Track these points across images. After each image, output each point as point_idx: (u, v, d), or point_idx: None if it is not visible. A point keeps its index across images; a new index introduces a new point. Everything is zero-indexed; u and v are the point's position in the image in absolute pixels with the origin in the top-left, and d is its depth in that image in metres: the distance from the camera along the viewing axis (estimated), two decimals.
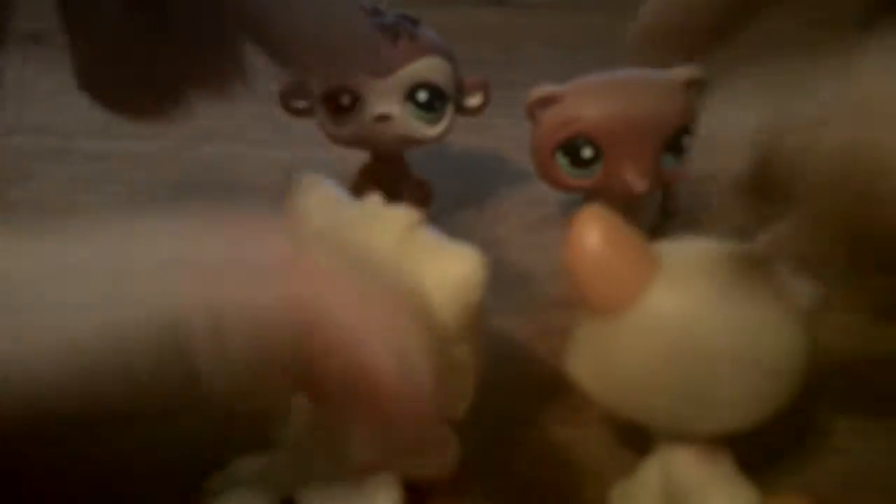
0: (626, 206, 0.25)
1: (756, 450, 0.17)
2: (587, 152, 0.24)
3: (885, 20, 0.14)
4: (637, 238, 0.16)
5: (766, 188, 0.15)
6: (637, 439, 0.19)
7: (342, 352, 0.14)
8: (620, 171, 0.24)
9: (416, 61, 0.25)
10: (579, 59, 0.42)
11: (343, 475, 0.18)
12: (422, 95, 0.25)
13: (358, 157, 0.28)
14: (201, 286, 0.14)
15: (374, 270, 0.15)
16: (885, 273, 0.22)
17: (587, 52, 0.46)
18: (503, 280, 0.26)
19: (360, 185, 0.28)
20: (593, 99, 0.24)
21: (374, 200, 0.17)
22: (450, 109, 0.26)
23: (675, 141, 0.25)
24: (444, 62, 0.25)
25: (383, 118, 0.25)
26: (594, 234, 0.16)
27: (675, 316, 0.16)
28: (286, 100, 0.26)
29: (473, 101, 0.27)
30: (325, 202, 0.18)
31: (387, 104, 0.25)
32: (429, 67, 0.25)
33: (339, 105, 0.26)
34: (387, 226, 0.16)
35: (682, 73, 0.26)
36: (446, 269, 0.15)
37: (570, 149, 0.25)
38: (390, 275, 0.16)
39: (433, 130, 0.26)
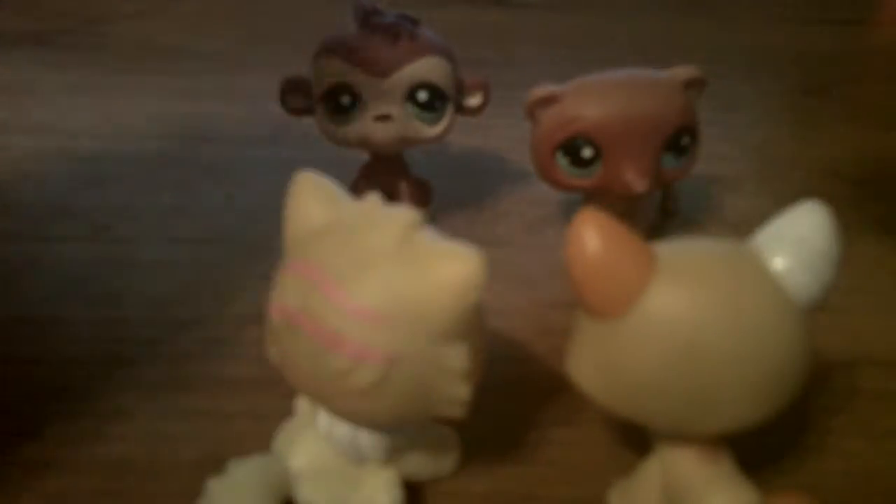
0: (626, 206, 0.25)
1: (756, 450, 0.17)
2: (587, 152, 0.25)
3: None
4: (636, 239, 0.16)
5: None
6: (637, 439, 0.19)
7: None
8: (620, 171, 0.24)
9: (416, 61, 0.25)
10: (579, 59, 0.42)
11: (343, 475, 0.18)
12: (422, 95, 0.25)
13: (358, 157, 0.28)
14: None
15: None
16: None
17: (587, 52, 0.46)
18: (503, 280, 0.26)
19: (360, 185, 0.28)
20: (593, 99, 0.24)
21: (374, 200, 0.17)
22: (450, 109, 0.26)
23: (675, 141, 0.25)
24: (444, 62, 0.26)
25: (383, 118, 0.25)
26: (593, 237, 0.16)
27: (675, 316, 0.15)
28: (286, 99, 0.26)
29: (473, 101, 0.27)
30: (325, 202, 0.18)
31: (387, 104, 0.25)
32: (429, 67, 0.25)
33: (339, 105, 0.26)
34: (387, 226, 0.16)
35: (682, 73, 0.26)
36: (446, 269, 0.15)
37: (570, 149, 0.25)
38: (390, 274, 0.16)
39: (433, 130, 0.26)
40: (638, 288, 0.16)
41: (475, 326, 0.16)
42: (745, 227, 0.18)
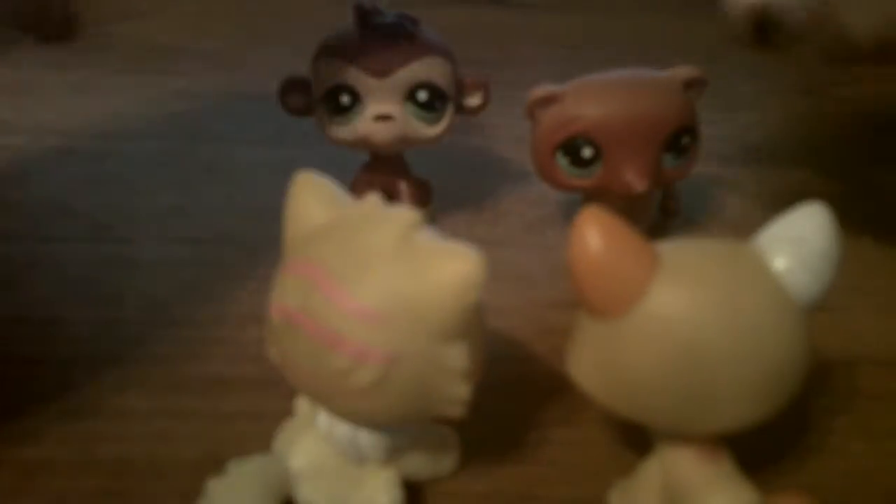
0: (626, 206, 0.25)
1: (756, 450, 0.17)
2: (587, 152, 0.24)
3: None
4: (638, 238, 0.16)
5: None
6: (637, 439, 0.19)
7: None
8: (620, 171, 0.24)
9: (415, 61, 0.25)
10: (579, 59, 0.42)
11: (343, 475, 0.18)
12: (422, 95, 0.25)
13: (358, 157, 0.28)
14: None
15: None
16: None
17: (587, 52, 0.46)
18: (503, 280, 0.26)
19: (360, 185, 0.28)
20: (593, 99, 0.25)
21: (374, 200, 0.17)
22: (450, 109, 0.26)
23: (675, 141, 0.25)
24: (444, 62, 0.26)
25: (384, 118, 0.25)
26: (595, 236, 0.16)
27: (676, 316, 0.16)
28: (286, 99, 0.26)
29: (473, 101, 0.27)
30: (325, 202, 0.18)
31: (387, 104, 0.25)
32: (429, 68, 0.25)
33: (339, 105, 0.26)
34: (387, 226, 0.16)
35: (682, 72, 0.26)
36: (446, 268, 0.15)
37: (570, 149, 0.25)
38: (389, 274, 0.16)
39: (433, 130, 0.26)
40: (639, 287, 0.16)
41: (475, 326, 0.16)
42: (745, 227, 0.18)
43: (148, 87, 0.40)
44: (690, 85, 0.26)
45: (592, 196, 0.26)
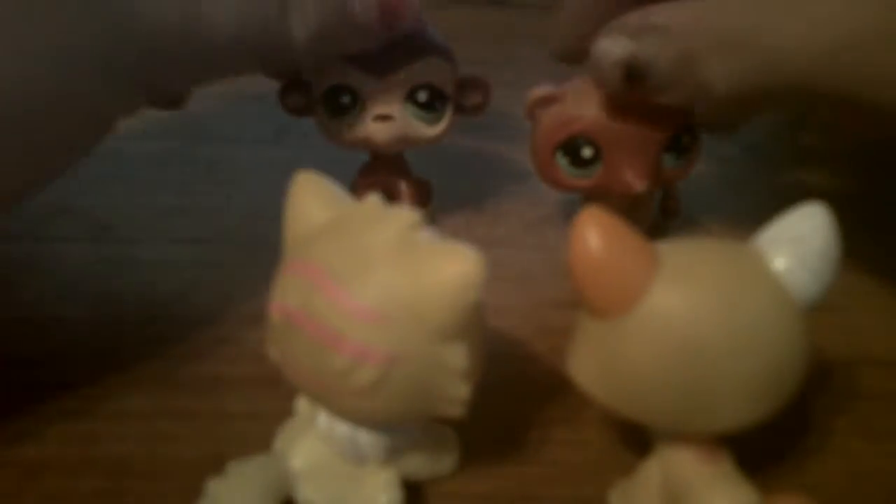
0: (626, 205, 0.25)
1: (756, 450, 0.17)
2: (587, 152, 0.24)
3: None
4: (638, 238, 0.16)
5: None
6: (637, 439, 0.19)
7: None
8: (620, 171, 0.24)
9: (416, 61, 0.25)
10: None
11: (343, 475, 0.18)
12: (422, 96, 0.25)
13: (358, 157, 0.28)
14: None
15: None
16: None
17: None
18: (503, 280, 0.26)
19: (360, 185, 0.28)
20: (594, 98, 0.24)
21: (374, 200, 0.17)
22: (449, 109, 0.26)
23: (676, 141, 0.25)
24: (444, 62, 0.25)
25: (383, 118, 0.25)
26: (595, 236, 0.16)
27: (677, 316, 0.16)
28: (286, 99, 0.26)
29: (474, 100, 0.27)
30: (325, 202, 0.18)
31: (387, 104, 0.25)
32: (429, 68, 0.25)
33: (339, 105, 0.26)
34: (387, 226, 0.16)
35: None
36: (445, 268, 0.15)
37: (569, 148, 0.25)
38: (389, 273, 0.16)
39: (433, 130, 0.26)
40: (640, 287, 0.16)
41: (475, 326, 0.16)
42: (745, 227, 0.18)
43: None
44: None
45: (592, 196, 0.26)
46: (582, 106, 0.24)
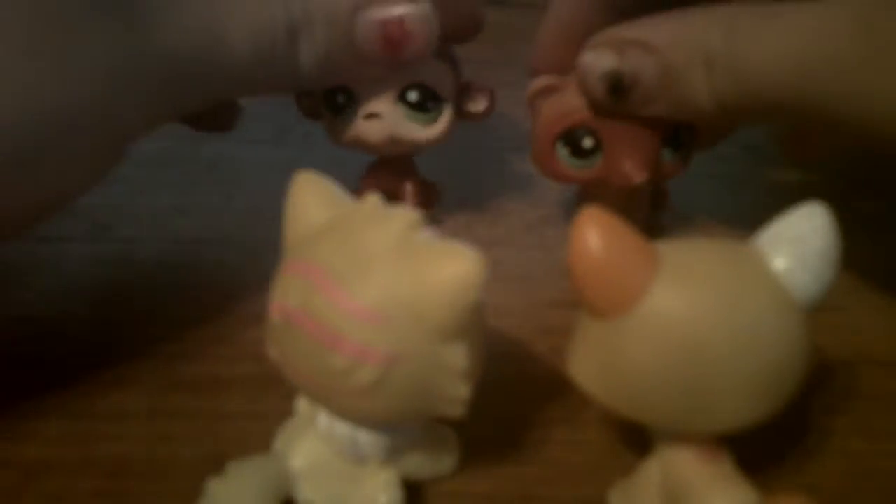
0: (620, 201, 0.25)
1: (756, 450, 0.17)
2: (588, 142, 0.24)
3: None
4: (638, 238, 0.16)
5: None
6: (637, 439, 0.19)
7: None
8: (620, 163, 0.24)
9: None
10: None
11: (343, 475, 0.18)
12: (412, 95, 0.25)
13: (358, 158, 0.28)
14: None
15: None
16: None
17: None
18: (503, 280, 0.26)
19: (365, 186, 0.28)
20: None
21: (374, 200, 0.17)
22: (447, 112, 0.26)
23: (675, 135, 0.25)
24: (441, 64, 0.25)
25: (372, 116, 0.25)
26: (595, 236, 0.16)
27: (676, 316, 0.16)
28: (300, 103, 0.26)
29: (477, 106, 0.26)
30: (325, 202, 0.18)
31: (378, 103, 0.25)
32: (423, 68, 0.25)
33: (336, 104, 0.25)
34: (386, 226, 0.16)
35: None
36: (445, 268, 0.15)
37: (570, 139, 0.25)
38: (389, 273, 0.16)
39: (426, 133, 0.25)
40: (640, 287, 0.16)
41: (475, 326, 0.16)
42: (745, 227, 0.18)
43: None
44: None
45: (589, 190, 0.26)
46: (583, 96, 0.24)
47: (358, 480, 0.18)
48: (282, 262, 0.17)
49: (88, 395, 0.21)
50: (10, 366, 0.22)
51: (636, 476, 0.18)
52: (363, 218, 0.17)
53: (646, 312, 0.16)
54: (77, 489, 0.19)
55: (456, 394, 0.16)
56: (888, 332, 0.25)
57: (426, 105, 0.25)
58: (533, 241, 0.29)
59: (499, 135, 0.35)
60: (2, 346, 0.23)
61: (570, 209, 0.30)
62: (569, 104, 0.25)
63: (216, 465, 0.18)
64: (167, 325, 0.24)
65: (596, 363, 0.17)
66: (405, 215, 0.16)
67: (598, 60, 0.23)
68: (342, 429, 0.17)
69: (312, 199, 0.18)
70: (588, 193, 0.28)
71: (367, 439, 0.17)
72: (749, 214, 0.19)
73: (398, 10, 0.23)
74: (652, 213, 0.28)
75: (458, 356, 0.16)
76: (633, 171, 0.24)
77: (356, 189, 0.27)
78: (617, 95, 0.23)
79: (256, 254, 0.27)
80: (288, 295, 0.16)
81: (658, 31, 0.22)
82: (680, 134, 0.25)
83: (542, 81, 0.25)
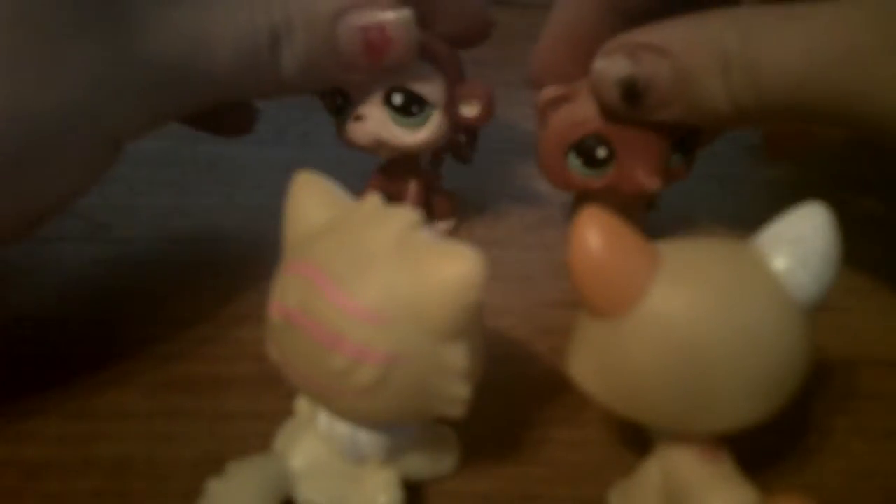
0: (619, 203, 0.25)
1: (756, 450, 0.17)
2: (602, 152, 0.24)
3: None
4: (638, 238, 0.16)
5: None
6: (637, 439, 0.19)
7: None
8: (633, 171, 0.24)
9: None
10: None
11: (343, 475, 0.18)
12: (396, 99, 0.25)
13: (357, 158, 0.28)
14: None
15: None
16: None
17: None
18: (503, 280, 0.26)
19: (370, 186, 0.28)
20: None
21: (374, 200, 0.17)
22: (435, 117, 0.25)
23: (682, 141, 0.25)
24: (430, 69, 0.25)
25: (358, 118, 0.25)
26: (595, 236, 0.16)
27: (676, 316, 0.16)
28: (324, 100, 0.26)
29: (469, 111, 0.26)
30: (324, 202, 0.18)
31: (365, 105, 0.25)
32: (409, 71, 0.25)
33: (336, 105, 0.26)
34: (386, 226, 0.16)
35: None
36: (445, 269, 0.15)
37: (583, 149, 0.24)
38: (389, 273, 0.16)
39: (412, 137, 0.25)
40: (640, 287, 0.16)
41: (475, 326, 0.16)
42: (745, 227, 0.18)
43: None
44: None
45: (588, 195, 0.26)
46: (595, 105, 0.24)
47: (358, 480, 0.18)
48: (282, 261, 0.17)
49: (88, 395, 0.21)
50: (10, 366, 0.22)
51: (636, 476, 0.18)
52: (363, 218, 0.17)
53: (646, 312, 0.16)
54: (77, 489, 0.19)
55: (456, 394, 0.16)
56: (888, 332, 0.25)
57: (410, 109, 0.25)
58: (533, 241, 0.29)
59: (499, 135, 0.35)
60: (2, 346, 0.23)
61: (571, 210, 0.30)
62: (580, 114, 0.24)
63: (216, 465, 0.18)
64: (167, 325, 0.24)
65: (596, 363, 0.17)
66: (405, 215, 0.16)
67: (612, 67, 0.22)
68: (342, 429, 0.17)
69: (312, 199, 0.18)
70: (587, 194, 0.28)
71: (366, 439, 0.17)
72: (749, 214, 0.19)
73: (379, 17, 0.23)
74: (644, 214, 0.28)
75: (458, 356, 0.16)
76: (646, 179, 0.24)
77: (357, 189, 0.27)
78: (632, 101, 0.22)
79: (256, 253, 0.27)
80: (288, 295, 0.16)
81: (672, 35, 0.22)
82: (687, 139, 0.25)
83: (552, 91, 0.25)
